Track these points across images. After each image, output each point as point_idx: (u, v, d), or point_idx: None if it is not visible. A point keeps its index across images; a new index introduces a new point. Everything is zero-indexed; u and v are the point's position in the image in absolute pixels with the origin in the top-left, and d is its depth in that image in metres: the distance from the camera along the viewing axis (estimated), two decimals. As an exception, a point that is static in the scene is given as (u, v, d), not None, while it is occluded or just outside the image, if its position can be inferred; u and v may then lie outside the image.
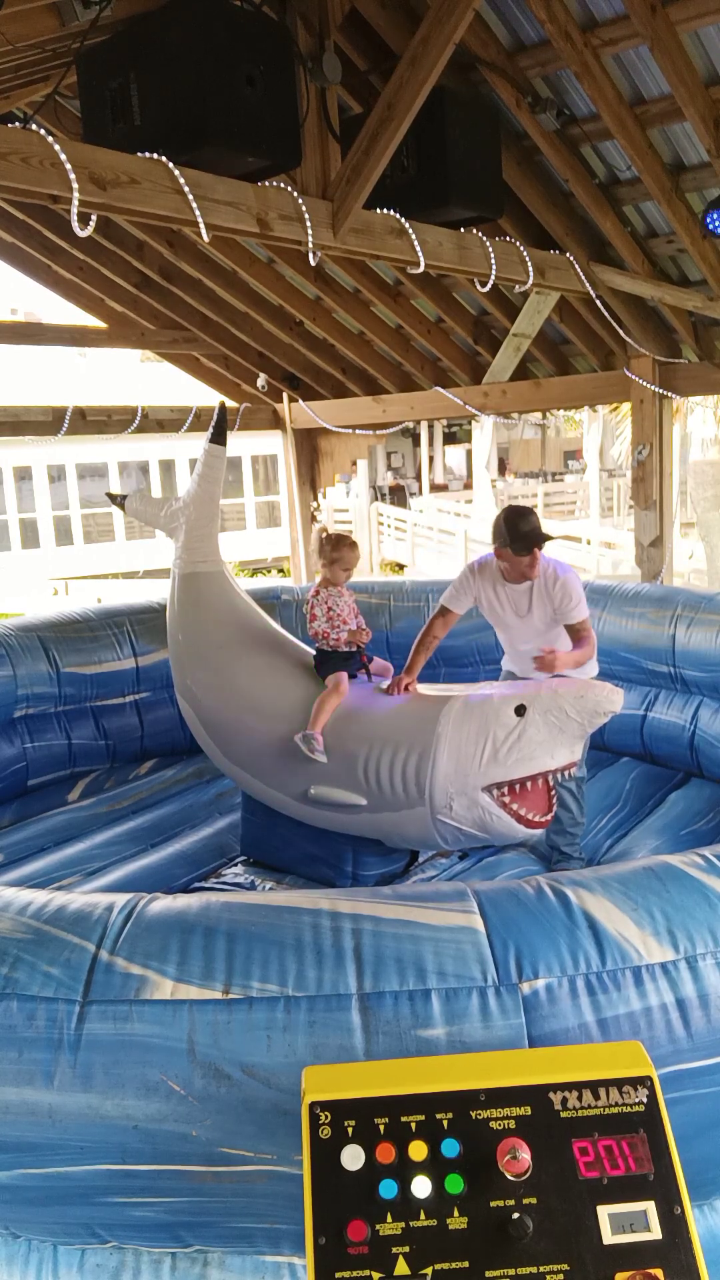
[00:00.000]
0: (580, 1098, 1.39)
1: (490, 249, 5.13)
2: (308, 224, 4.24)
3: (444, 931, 1.73)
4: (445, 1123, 1.36)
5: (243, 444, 20.85)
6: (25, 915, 1.81)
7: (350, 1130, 1.34)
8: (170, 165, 3.73)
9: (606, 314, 6.05)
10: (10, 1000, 1.66)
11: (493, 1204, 1.31)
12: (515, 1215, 1.29)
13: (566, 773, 3.36)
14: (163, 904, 1.83)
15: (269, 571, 20.67)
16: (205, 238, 3.95)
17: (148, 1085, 1.59)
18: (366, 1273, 1.26)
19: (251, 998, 1.63)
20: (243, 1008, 1.62)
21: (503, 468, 28.30)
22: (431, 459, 26.18)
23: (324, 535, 3.97)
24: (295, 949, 1.69)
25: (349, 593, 3.92)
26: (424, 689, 3.76)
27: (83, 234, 3.60)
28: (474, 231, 5.11)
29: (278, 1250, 1.74)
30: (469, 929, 1.74)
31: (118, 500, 4.53)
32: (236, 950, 1.69)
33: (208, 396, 8.91)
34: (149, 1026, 1.62)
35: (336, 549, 3.87)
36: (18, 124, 3.45)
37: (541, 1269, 1.28)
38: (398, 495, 23.62)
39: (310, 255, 4.43)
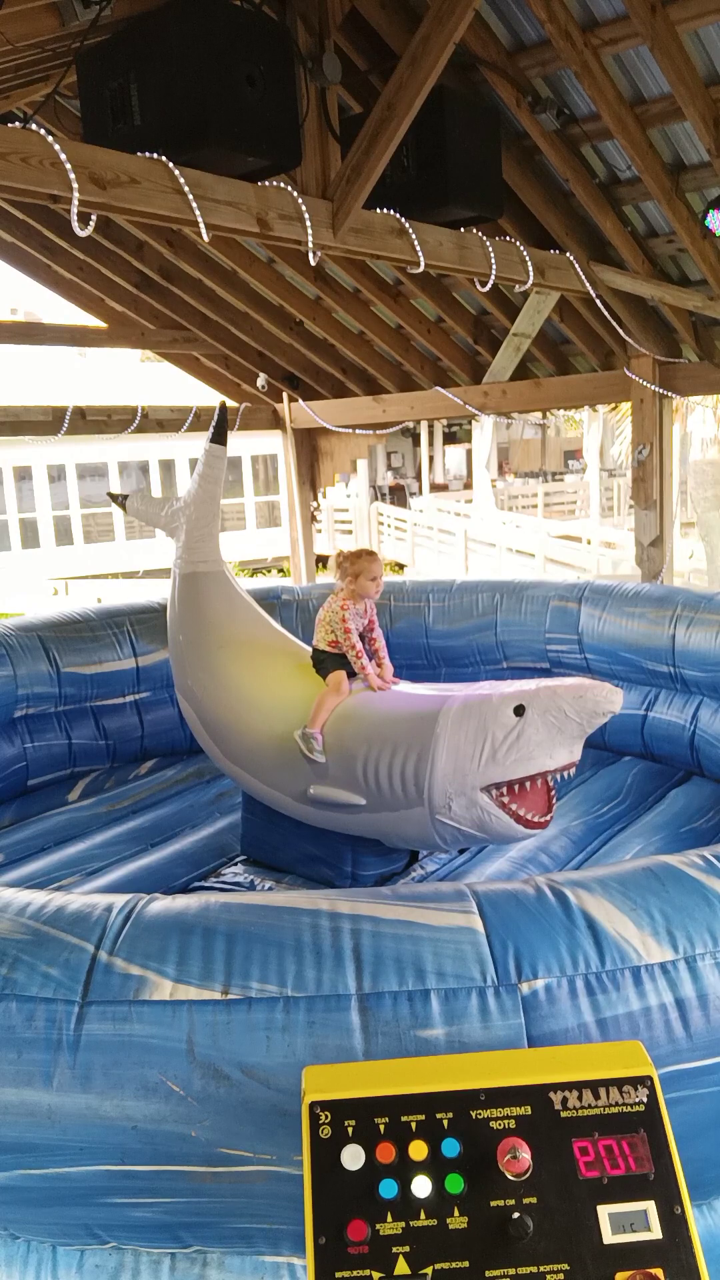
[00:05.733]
0: (580, 1097, 1.39)
1: (490, 249, 5.13)
2: (308, 224, 4.24)
3: (443, 932, 1.73)
4: (445, 1122, 1.35)
5: (243, 444, 20.85)
6: (24, 916, 1.81)
7: (350, 1130, 1.34)
8: (170, 165, 3.73)
9: (606, 314, 6.05)
10: (9, 1001, 1.66)
11: (493, 1204, 1.31)
12: (515, 1215, 1.29)
13: (566, 773, 3.35)
14: (161, 904, 1.83)
15: (269, 571, 20.68)
16: (205, 238, 3.95)
17: (147, 1086, 1.59)
18: (366, 1273, 1.26)
19: (251, 998, 1.63)
20: (242, 1008, 1.62)
21: (502, 468, 28.31)
22: (431, 459, 26.16)
23: (339, 556, 3.88)
24: (294, 949, 1.69)
25: (372, 607, 3.87)
26: (423, 688, 3.75)
27: (82, 234, 3.60)
28: (474, 231, 5.11)
29: (277, 1251, 1.74)
30: (468, 929, 1.74)
31: (119, 500, 4.53)
32: (235, 951, 1.69)
33: (208, 396, 8.92)
34: (148, 1027, 1.61)
35: (355, 562, 3.76)
36: (18, 124, 3.45)
37: (541, 1269, 1.28)
38: (398, 495, 23.64)
39: (310, 255, 4.43)
